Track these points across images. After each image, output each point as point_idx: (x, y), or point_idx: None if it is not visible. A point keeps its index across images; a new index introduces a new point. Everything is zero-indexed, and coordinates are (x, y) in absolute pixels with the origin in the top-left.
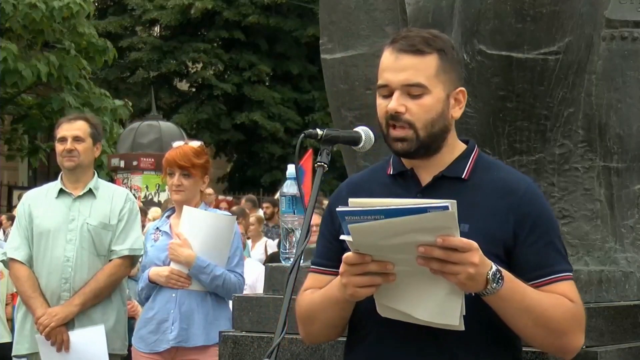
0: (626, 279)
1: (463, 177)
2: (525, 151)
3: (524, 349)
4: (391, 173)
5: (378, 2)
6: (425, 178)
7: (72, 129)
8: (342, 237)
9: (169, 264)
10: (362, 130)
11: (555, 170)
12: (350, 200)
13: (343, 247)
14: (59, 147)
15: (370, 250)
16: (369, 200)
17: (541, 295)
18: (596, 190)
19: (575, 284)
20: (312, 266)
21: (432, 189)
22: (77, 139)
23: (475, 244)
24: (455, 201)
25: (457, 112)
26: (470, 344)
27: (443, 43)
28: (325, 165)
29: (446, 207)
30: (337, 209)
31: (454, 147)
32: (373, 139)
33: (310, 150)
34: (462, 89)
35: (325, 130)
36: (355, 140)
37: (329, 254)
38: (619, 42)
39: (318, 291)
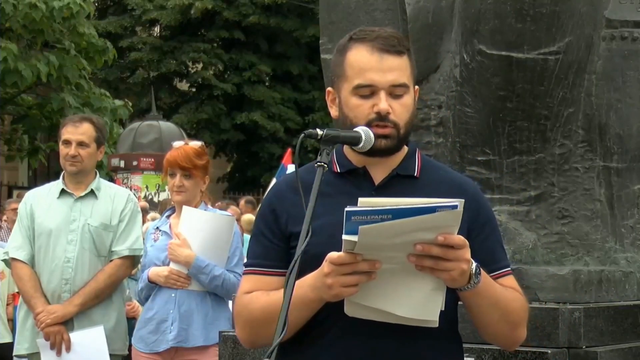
0: (626, 279)
1: (415, 175)
2: (525, 151)
3: (524, 349)
4: (339, 171)
5: (378, 2)
6: (378, 176)
7: (77, 134)
8: (344, 236)
9: (168, 264)
10: (362, 130)
11: (555, 170)
12: (360, 199)
13: (289, 247)
14: (62, 149)
15: (365, 249)
16: (377, 199)
17: (502, 289)
18: (596, 190)
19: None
20: (250, 267)
21: (386, 187)
22: (81, 144)
23: (466, 241)
24: (463, 200)
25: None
26: (433, 337)
27: (408, 43)
28: (325, 165)
29: (455, 206)
30: (346, 209)
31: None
32: (373, 139)
33: (289, 150)
34: (417, 87)
35: (325, 130)
36: (355, 140)
37: (272, 254)
38: (619, 42)
39: (274, 293)
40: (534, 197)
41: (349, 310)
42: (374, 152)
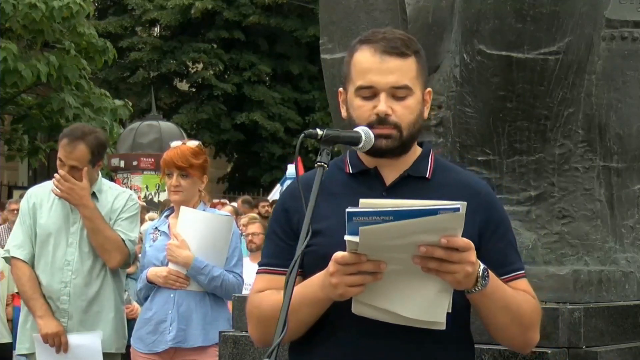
0: (626, 279)
1: (427, 176)
2: (525, 151)
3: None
4: (351, 172)
5: (378, 2)
6: (389, 177)
7: (70, 158)
8: (346, 237)
9: (167, 264)
10: (362, 130)
11: (555, 170)
12: (362, 200)
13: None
14: (58, 165)
15: (369, 249)
16: (378, 201)
17: (513, 292)
18: (596, 190)
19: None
20: (262, 267)
21: (397, 188)
22: (74, 167)
23: (472, 243)
24: (465, 203)
25: (426, 112)
26: (442, 339)
27: (417, 45)
28: (325, 165)
29: (457, 209)
30: (347, 210)
31: (415, 147)
32: (373, 139)
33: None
34: (430, 89)
35: (325, 130)
36: (355, 140)
37: (284, 254)
38: (619, 42)
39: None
40: (534, 197)
41: (356, 309)
42: (377, 153)
